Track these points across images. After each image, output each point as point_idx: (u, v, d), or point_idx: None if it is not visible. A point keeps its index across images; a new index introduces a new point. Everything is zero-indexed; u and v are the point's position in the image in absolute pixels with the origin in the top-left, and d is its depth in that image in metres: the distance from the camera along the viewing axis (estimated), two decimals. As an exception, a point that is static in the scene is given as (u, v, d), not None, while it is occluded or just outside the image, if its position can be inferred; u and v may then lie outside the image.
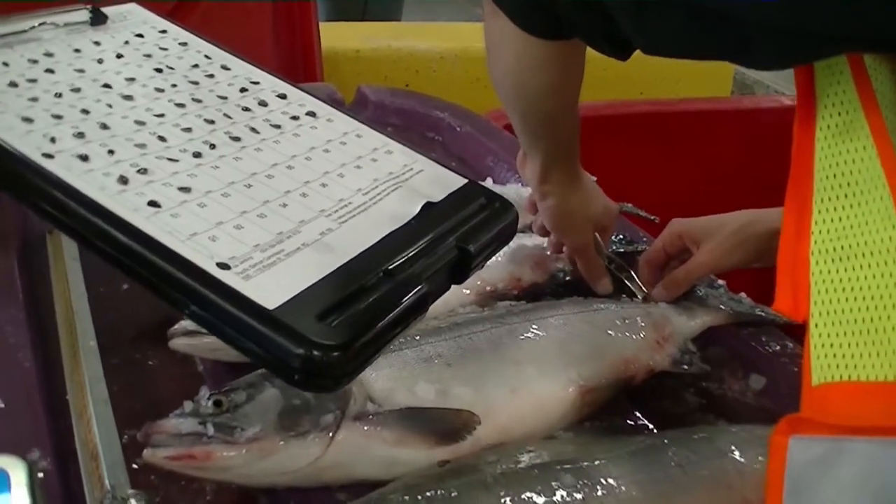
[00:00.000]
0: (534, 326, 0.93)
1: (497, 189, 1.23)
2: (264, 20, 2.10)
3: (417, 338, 0.88)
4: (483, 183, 1.22)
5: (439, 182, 0.67)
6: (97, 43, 0.72)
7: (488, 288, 1.05)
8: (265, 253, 0.53)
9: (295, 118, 0.69)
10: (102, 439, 0.76)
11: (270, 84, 0.73)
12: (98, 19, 0.75)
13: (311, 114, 0.70)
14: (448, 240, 0.60)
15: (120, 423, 0.79)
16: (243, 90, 0.71)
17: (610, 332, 0.97)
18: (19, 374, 0.87)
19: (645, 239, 1.22)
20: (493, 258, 1.06)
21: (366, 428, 0.78)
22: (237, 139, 0.64)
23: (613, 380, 0.92)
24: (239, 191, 0.59)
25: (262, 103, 0.70)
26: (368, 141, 0.69)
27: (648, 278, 1.11)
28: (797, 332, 1.07)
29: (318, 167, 0.64)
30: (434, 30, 2.48)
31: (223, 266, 0.51)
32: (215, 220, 0.55)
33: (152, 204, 0.55)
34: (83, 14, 0.75)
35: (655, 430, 0.93)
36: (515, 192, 1.25)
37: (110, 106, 0.65)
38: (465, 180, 0.69)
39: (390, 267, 0.55)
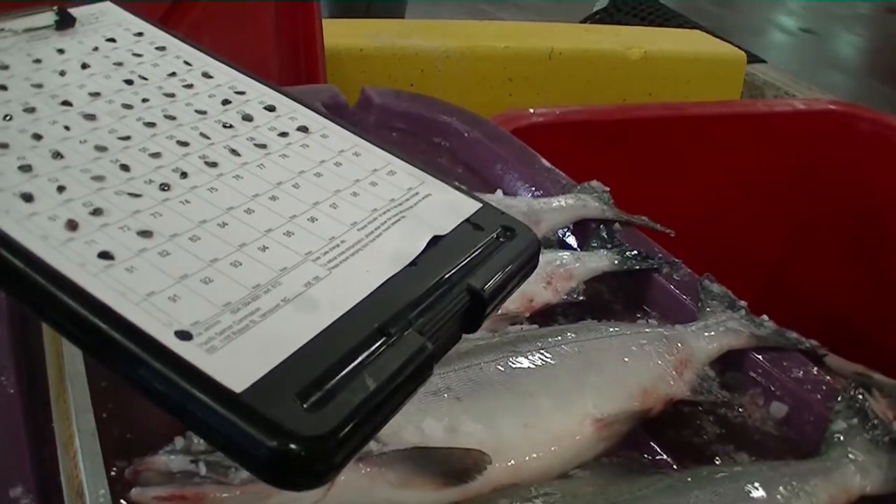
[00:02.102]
0: (547, 355, 0.88)
1: (507, 201, 1.21)
2: (266, 19, 2.06)
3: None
4: (494, 197, 1.21)
5: (449, 208, 0.58)
6: (61, 51, 0.64)
7: (499, 311, 1.00)
8: (236, 315, 0.44)
9: (284, 135, 0.61)
10: (88, 475, 0.71)
11: (258, 94, 0.64)
12: (65, 23, 0.66)
13: (303, 129, 0.62)
14: (458, 283, 0.52)
15: (109, 454, 0.74)
16: (226, 102, 0.63)
17: (627, 359, 0.92)
18: (3, 401, 0.83)
19: (661, 255, 1.18)
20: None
21: (369, 469, 0.73)
22: (214, 165, 0.56)
23: (632, 412, 0.88)
24: (211, 232, 0.50)
25: (247, 118, 0.61)
26: (368, 160, 0.61)
27: None
28: (815, 358, 1.04)
29: (307, 196, 0.55)
30: (440, 28, 2.44)
31: (183, 335, 0.42)
32: (179, 272, 0.46)
33: (104, 255, 0.46)
34: (48, 17, 0.66)
35: (674, 465, 0.88)
36: (527, 204, 1.21)
37: (68, 128, 0.56)
38: (480, 204, 0.60)
39: (388, 325, 0.46)
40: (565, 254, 1.13)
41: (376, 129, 1.61)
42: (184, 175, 0.54)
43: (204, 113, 0.61)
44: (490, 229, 0.58)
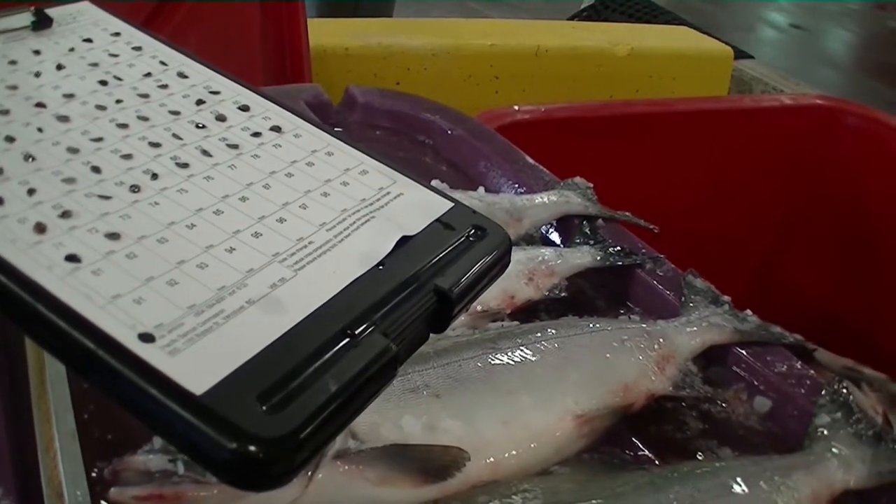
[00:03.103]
0: (527, 351, 0.88)
1: (490, 198, 1.21)
2: (252, 18, 2.05)
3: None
4: (476, 194, 1.21)
5: (420, 208, 0.58)
6: (37, 52, 0.64)
7: (479, 308, 1.00)
8: (200, 317, 0.44)
9: (257, 135, 0.61)
10: (68, 477, 0.71)
11: (232, 93, 0.64)
12: (42, 23, 0.66)
13: (276, 129, 0.62)
14: (426, 284, 0.51)
15: (90, 455, 0.74)
16: (200, 102, 0.62)
17: (608, 354, 0.92)
18: (-18, 402, 0.83)
19: (644, 251, 1.17)
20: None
21: (347, 467, 0.73)
22: (185, 165, 0.56)
23: (613, 408, 0.87)
24: (179, 233, 0.50)
25: (220, 118, 0.61)
26: (340, 160, 0.61)
27: None
28: (805, 352, 1.04)
29: (277, 197, 0.55)
30: (426, 26, 2.43)
31: (146, 338, 0.42)
32: (145, 275, 0.46)
33: (71, 258, 0.46)
34: (25, 18, 0.66)
35: (656, 461, 0.88)
36: (509, 200, 1.21)
37: (41, 130, 0.56)
38: (451, 204, 0.60)
39: (351, 326, 0.46)
40: (548, 250, 1.13)
41: (360, 128, 1.60)
42: (154, 176, 0.54)
43: (177, 113, 0.61)
44: (461, 229, 0.58)
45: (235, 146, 0.59)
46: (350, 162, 0.61)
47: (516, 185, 1.33)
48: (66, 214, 0.49)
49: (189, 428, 0.40)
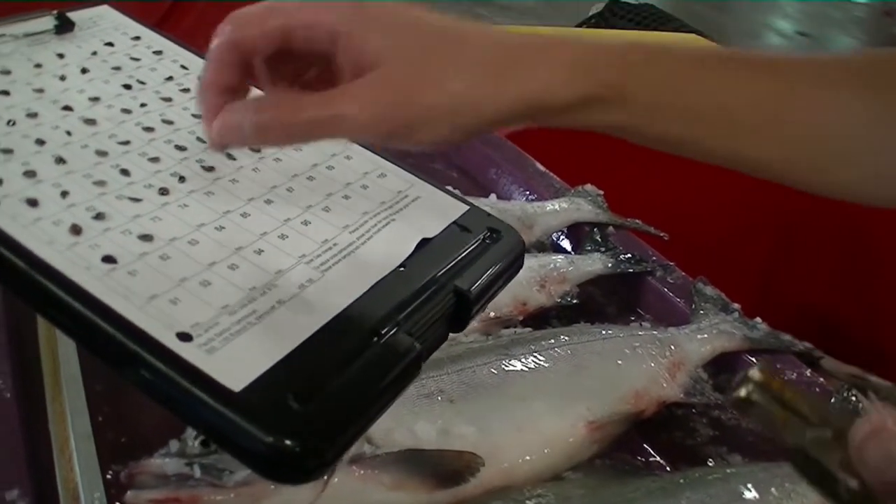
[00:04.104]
0: (540, 358, 0.89)
1: (501, 205, 1.22)
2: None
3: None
4: (488, 201, 1.21)
5: (437, 211, 0.60)
6: (61, 55, 0.66)
7: (492, 314, 1.00)
8: (234, 316, 0.46)
9: None
10: (84, 479, 0.72)
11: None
12: (64, 27, 0.68)
13: None
14: (446, 284, 0.54)
15: (104, 458, 0.75)
16: None
17: (620, 361, 0.92)
18: (-1, 404, 0.83)
19: (654, 258, 1.18)
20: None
21: (362, 471, 0.74)
22: (210, 169, 0.58)
23: (624, 414, 0.88)
24: (208, 235, 0.52)
25: None
26: (359, 163, 0.62)
27: None
28: (812, 360, 1.05)
29: (300, 200, 0.57)
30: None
31: (184, 337, 0.44)
32: (179, 276, 0.48)
33: (107, 259, 0.48)
34: (48, 21, 0.68)
35: (667, 467, 0.88)
36: (520, 208, 1.21)
37: (69, 133, 0.58)
38: (467, 207, 0.62)
39: (377, 326, 0.49)
40: (559, 257, 1.13)
41: (371, 134, 1.61)
42: (182, 179, 0.56)
43: (200, 117, 0.61)
44: (477, 231, 0.60)
45: (258, 150, 0.61)
46: (368, 166, 0.62)
47: (527, 192, 1.34)
48: (99, 216, 0.51)
49: (228, 423, 0.42)
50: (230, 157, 0.59)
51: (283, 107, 0.52)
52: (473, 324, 0.98)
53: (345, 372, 0.45)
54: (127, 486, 0.73)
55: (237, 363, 0.44)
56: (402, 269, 0.54)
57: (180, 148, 0.59)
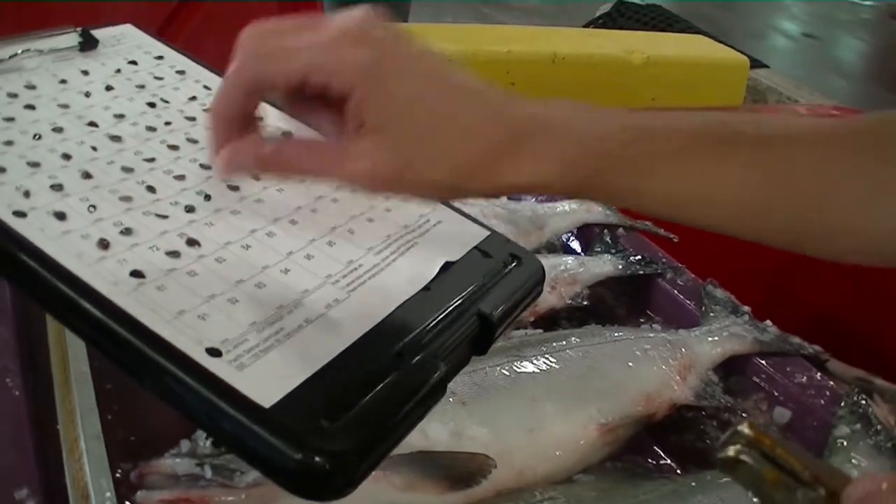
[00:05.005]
0: (551, 360, 0.89)
1: (512, 205, 1.21)
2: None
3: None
4: (497, 201, 1.21)
5: (459, 235, 0.61)
6: (85, 72, 0.66)
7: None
8: (262, 334, 0.47)
9: None
10: (94, 478, 0.71)
11: (274, 119, 0.64)
12: (88, 44, 0.69)
13: None
14: (469, 308, 0.55)
15: (114, 457, 0.74)
16: None
17: (631, 364, 0.92)
18: (8, 403, 0.83)
19: (664, 260, 1.18)
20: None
21: (373, 473, 0.73)
22: (235, 188, 0.58)
23: (635, 417, 0.88)
24: (235, 254, 0.52)
25: None
26: None
27: None
28: (818, 362, 1.04)
29: (325, 221, 0.58)
30: (443, 31, 2.43)
31: (214, 352, 0.45)
32: (207, 292, 0.48)
33: (136, 274, 0.48)
34: (72, 38, 0.68)
35: (678, 469, 0.88)
36: (531, 209, 1.21)
37: (95, 149, 0.58)
38: (488, 232, 0.63)
39: (404, 348, 0.49)
40: (569, 259, 1.14)
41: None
42: (207, 198, 0.56)
43: None
44: (498, 256, 0.61)
45: None
46: None
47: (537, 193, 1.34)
48: (126, 231, 0.51)
49: (258, 440, 0.42)
50: (255, 177, 0.59)
51: (290, 151, 0.54)
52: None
53: (372, 392, 0.46)
54: (137, 486, 0.73)
55: (267, 380, 0.44)
56: (426, 291, 0.55)
57: (205, 167, 0.59)
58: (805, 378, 0.99)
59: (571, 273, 1.10)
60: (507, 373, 0.86)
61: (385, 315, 0.51)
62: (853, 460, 0.86)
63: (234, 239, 0.53)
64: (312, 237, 0.56)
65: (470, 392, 0.82)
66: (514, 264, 0.61)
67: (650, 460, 0.90)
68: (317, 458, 0.42)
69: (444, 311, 0.53)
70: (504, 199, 1.26)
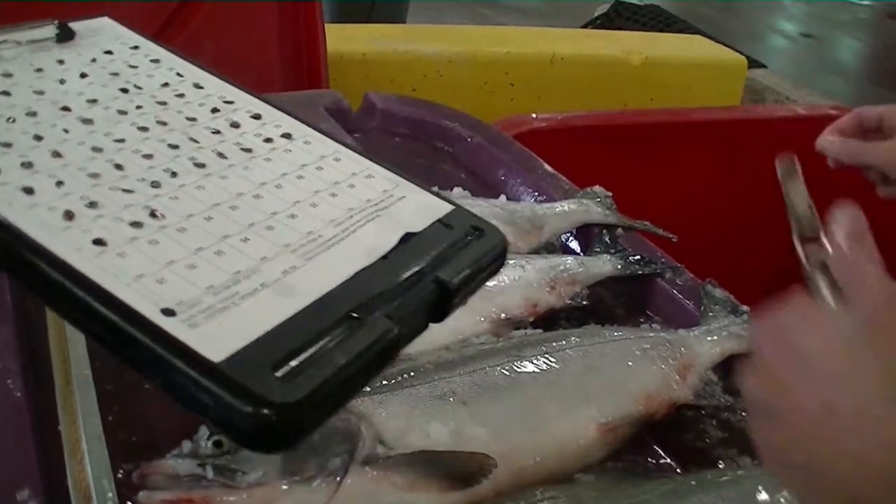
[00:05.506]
0: (552, 359, 0.89)
1: (511, 206, 1.22)
2: (269, 24, 2.06)
3: (430, 369, 0.84)
4: (496, 201, 1.21)
5: (422, 209, 0.62)
6: (61, 61, 0.68)
7: (503, 315, 1.00)
8: (218, 296, 0.48)
9: (268, 140, 0.65)
10: (96, 479, 0.72)
11: (245, 103, 0.68)
12: (65, 36, 0.70)
13: (287, 135, 0.66)
14: (427, 275, 0.55)
15: (115, 457, 0.75)
16: (215, 110, 0.66)
17: (630, 363, 0.93)
18: (10, 404, 0.83)
19: (663, 260, 1.18)
20: (508, 282, 1.04)
21: (375, 472, 0.74)
22: (202, 165, 0.60)
23: (635, 416, 0.88)
24: (197, 224, 0.54)
25: (234, 125, 0.65)
26: (347, 165, 0.65)
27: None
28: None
29: (288, 196, 0.59)
30: (441, 32, 2.44)
31: (168, 312, 0.46)
32: (166, 259, 0.50)
33: (98, 242, 0.50)
34: (50, 30, 0.70)
35: (678, 469, 0.89)
36: (530, 209, 1.21)
37: (66, 131, 0.60)
38: (452, 206, 0.63)
39: (357, 309, 0.50)
40: (569, 258, 1.14)
41: (379, 134, 1.61)
42: (174, 174, 0.58)
43: (194, 120, 0.65)
44: (460, 229, 0.61)
45: (249, 150, 0.63)
46: (356, 167, 0.65)
47: (536, 194, 1.34)
48: (92, 205, 0.53)
49: (207, 393, 0.44)
50: (222, 155, 0.62)
51: None
52: (485, 325, 0.99)
53: (324, 349, 0.47)
54: (139, 486, 0.73)
55: (218, 337, 0.46)
56: (384, 259, 0.56)
57: (173, 146, 0.61)
58: (804, 377, 0.99)
59: (571, 273, 1.10)
60: (507, 373, 0.86)
61: (341, 281, 0.53)
62: (852, 459, 0.87)
63: (196, 212, 0.55)
64: (275, 210, 0.57)
65: (470, 392, 0.82)
66: (476, 236, 0.61)
67: (650, 460, 0.90)
68: (265, 411, 0.43)
69: (400, 277, 0.54)
70: (503, 198, 1.26)
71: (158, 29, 1.84)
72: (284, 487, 0.71)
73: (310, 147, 0.65)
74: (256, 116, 0.67)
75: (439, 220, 0.61)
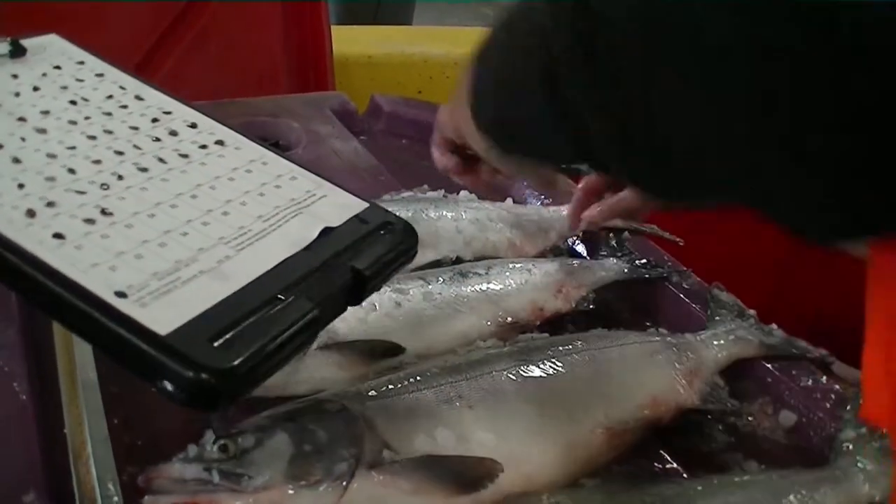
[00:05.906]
0: (558, 364, 0.89)
1: (518, 209, 1.22)
2: (275, 23, 2.05)
3: (436, 373, 0.84)
4: (503, 205, 1.21)
5: (341, 207, 0.71)
6: (15, 76, 0.76)
7: (510, 319, 1.00)
8: (162, 281, 0.57)
9: (203, 147, 0.73)
10: (101, 482, 0.72)
11: (182, 114, 0.76)
12: (17, 52, 0.78)
13: (220, 142, 0.74)
14: (343, 263, 0.64)
15: (120, 460, 0.75)
16: (155, 120, 0.74)
17: (637, 367, 0.92)
18: (16, 407, 0.83)
19: (670, 264, 1.18)
20: (514, 286, 1.04)
21: (381, 477, 0.74)
22: (145, 170, 0.68)
23: (642, 420, 0.88)
24: (142, 221, 0.62)
25: (173, 133, 0.73)
26: (274, 168, 0.73)
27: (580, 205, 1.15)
28: (823, 365, 1.04)
29: (221, 196, 0.67)
30: (447, 34, 2.43)
31: (120, 294, 0.54)
32: (117, 250, 0.58)
33: (57, 236, 0.58)
34: (3, 47, 0.77)
35: (684, 473, 0.88)
36: (537, 213, 1.21)
37: (24, 139, 0.68)
38: (367, 204, 0.72)
39: (283, 291, 0.59)
40: (575, 262, 1.14)
41: (385, 137, 1.61)
42: (120, 178, 0.66)
43: (136, 129, 0.73)
44: (374, 224, 0.70)
45: (186, 155, 0.71)
46: (282, 170, 0.73)
47: (543, 197, 1.33)
48: (50, 204, 0.61)
49: (154, 361, 0.52)
50: (162, 161, 0.69)
51: None
52: (491, 328, 0.99)
53: (254, 325, 0.56)
54: (144, 490, 0.73)
55: (164, 314, 0.54)
56: (307, 250, 0.64)
57: (119, 153, 0.69)
58: (811, 381, 0.99)
59: (578, 277, 1.10)
60: (513, 377, 0.86)
61: (269, 267, 0.61)
62: (859, 463, 0.86)
63: (141, 210, 0.63)
64: (210, 208, 0.66)
65: (476, 396, 0.82)
66: (388, 230, 0.71)
67: (657, 464, 0.90)
68: (203, 375, 0.51)
69: (320, 265, 0.63)
70: (510, 202, 1.26)
71: (165, 29, 1.84)
72: (290, 492, 0.72)
73: (240, 153, 0.74)
74: (193, 125, 0.75)
75: (356, 216, 0.70)
